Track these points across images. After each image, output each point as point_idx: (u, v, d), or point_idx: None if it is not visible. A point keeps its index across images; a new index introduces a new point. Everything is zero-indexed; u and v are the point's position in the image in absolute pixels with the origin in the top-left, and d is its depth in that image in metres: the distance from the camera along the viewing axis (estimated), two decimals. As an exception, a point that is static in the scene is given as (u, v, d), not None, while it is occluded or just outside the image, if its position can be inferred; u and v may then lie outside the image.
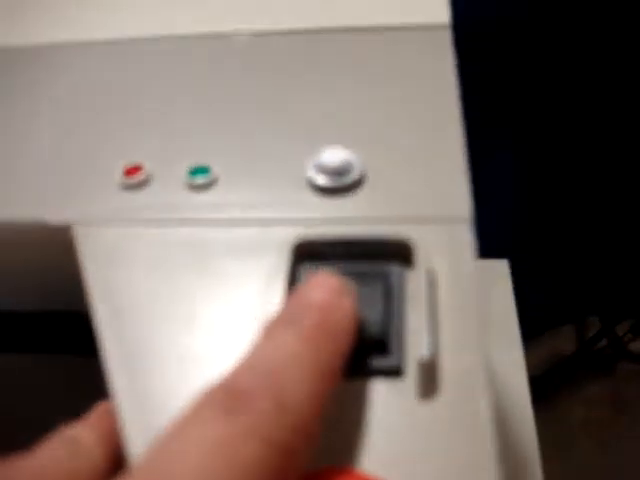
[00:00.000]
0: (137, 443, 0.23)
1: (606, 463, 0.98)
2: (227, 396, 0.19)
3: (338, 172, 0.29)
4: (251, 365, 0.20)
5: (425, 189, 0.29)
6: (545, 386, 1.05)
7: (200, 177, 0.31)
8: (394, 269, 0.26)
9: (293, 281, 0.26)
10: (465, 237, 0.27)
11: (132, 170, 0.31)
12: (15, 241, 0.31)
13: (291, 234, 0.28)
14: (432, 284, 0.25)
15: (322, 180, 0.30)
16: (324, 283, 0.23)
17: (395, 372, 0.23)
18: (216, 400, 0.19)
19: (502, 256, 0.66)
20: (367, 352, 0.23)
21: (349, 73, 0.36)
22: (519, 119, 0.88)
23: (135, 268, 0.28)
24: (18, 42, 0.41)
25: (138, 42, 0.39)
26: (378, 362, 0.23)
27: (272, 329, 0.22)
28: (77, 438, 0.24)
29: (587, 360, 1.11)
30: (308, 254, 0.27)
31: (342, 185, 0.29)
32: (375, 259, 0.27)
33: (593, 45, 0.82)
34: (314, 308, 0.22)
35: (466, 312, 0.25)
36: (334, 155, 0.30)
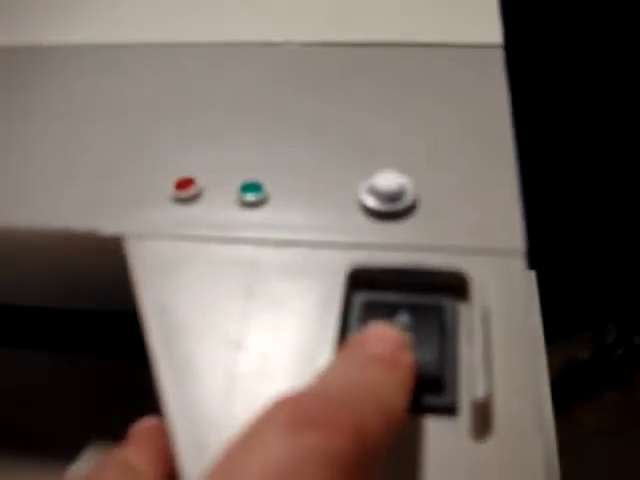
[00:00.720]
0: (190, 461, 0.23)
1: (617, 471, 0.98)
2: (291, 415, 0.18)
3: (391, 197, 0.29)
4: (316, 388, 0.20)
5: (479, 218, 0.29)
6: (560, 392, 1.05)
7: (251, 194, 0.30)
8: (449, 303, 0.26)
9: (347, 309, 0.26)
10: (520, 271, 0.27)
11: (184, 183, 0.31)
12: (68, 247, 0.31)
13: (343, 259, 0.28)
14: (487, 320, 0.25)
15: (374, 204, 0.29)
16: (384, 338, 0.22)
17: (449, 411, 0.23)
18: (280, 419, 0.18)
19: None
20: (422, 389, 0.23)
21: (403, 90, 0.35)
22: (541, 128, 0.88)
23: (185, 285, 0.28)
24: (71, 41, 0.41)
25: (189, 47, 0.39)
26: (433, 400, 0.23)
27: (333, 364, 0.21)
28: (131, 463, 0.24)
29: (603, 368, 1.10)
30: (361, 281, 0.27)
31: (395, 210, 0.29)
32: (429, 290, 0.26)
33: (590, 46, 0.82)
34: (376, 362, 0.21)
35: (521, 350, 0.25)
36: (388, 179, 0.30)
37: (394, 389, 0.21)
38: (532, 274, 0.71)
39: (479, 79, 0.36)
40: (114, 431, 0.29)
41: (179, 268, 0.28)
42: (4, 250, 0.32)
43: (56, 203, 0.32)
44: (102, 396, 0.38)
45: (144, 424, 0.28)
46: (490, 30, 0.38)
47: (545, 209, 0.98)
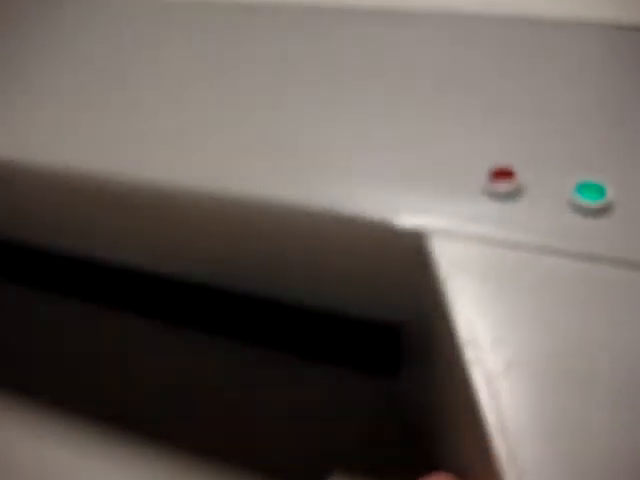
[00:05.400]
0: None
1: None
2: None
3: None
4: None
5: None
6: None
7: (592, 198, 0.24)
8: None
9: None
10: None
11: (501, 174, 0.25)
12: (358, 236, 0.26)
13: None
14: None
15: None
16: None
17: None
18: None
19: None
20: None
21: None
22: None
23: (507, 304, 0.21)
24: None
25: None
26: None
27: None
28: None
29: None
30: None
31: None
32: None
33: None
34: None
35: None
36: None
37: None
38: None
39: None
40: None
41: (496, 280, 0.22)
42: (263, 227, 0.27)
43: (342, 183, 0.26)
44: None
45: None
46: None
47: None
